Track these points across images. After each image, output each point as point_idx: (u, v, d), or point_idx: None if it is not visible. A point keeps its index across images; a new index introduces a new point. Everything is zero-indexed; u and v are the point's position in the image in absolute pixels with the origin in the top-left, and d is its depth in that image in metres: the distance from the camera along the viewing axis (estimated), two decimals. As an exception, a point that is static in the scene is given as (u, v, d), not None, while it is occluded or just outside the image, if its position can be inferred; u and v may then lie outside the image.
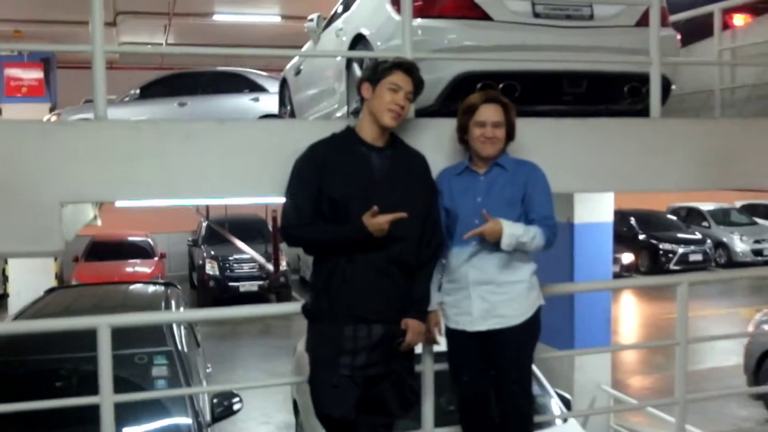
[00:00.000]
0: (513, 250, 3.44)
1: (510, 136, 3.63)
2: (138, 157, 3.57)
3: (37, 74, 15.76)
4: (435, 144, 3.85)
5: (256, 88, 9.36)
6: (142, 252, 16.78)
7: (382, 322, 3.36)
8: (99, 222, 7.94)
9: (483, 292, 3.53)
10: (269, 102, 8.88)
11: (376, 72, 3.43)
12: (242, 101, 9.02)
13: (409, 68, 3.44)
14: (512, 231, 3.40)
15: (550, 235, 3.51)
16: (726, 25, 6.50)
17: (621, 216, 19.58)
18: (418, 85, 3.48)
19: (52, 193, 3.44)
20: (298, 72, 6.85)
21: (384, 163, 3.42)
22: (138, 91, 9.38)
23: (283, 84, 7.57)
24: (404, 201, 3.35)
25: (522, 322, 3.54)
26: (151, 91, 9.44)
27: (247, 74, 9.70)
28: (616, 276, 16.68)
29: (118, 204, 5.71)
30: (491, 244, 3.45)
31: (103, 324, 3.45)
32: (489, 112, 3.56)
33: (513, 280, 3.54)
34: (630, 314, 15.56)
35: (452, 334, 3.67)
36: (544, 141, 4.09)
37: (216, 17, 16.36)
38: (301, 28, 7.03)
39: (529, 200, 3.55)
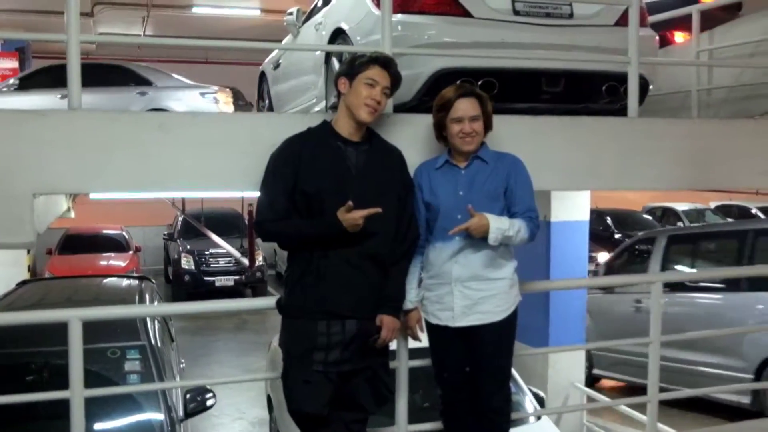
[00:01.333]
0: (498, 244, 3.45)
1: (488, 127, 3.62)
2: (112, 148, 3.53)
3: (11, 64, 15.57)
4: (413, 140, 3.84)
5: (143, 81, 9.18)
6: (117, 245, 16.64)
7: (356, 317, 3.35)
8: (73, 214, 7.86)
9: (465, 288, 3.52)
10: (157, 97, 8.76)
11: (353, 66, 3.42)
12: (127, 95, 8.79)
13: (386, 63, 3.43)
14: (498, 225, 3.40)
15: (534, 228, 3.53)
16: (668, 41, 6.87)
17: (597, 215, 19.67)
18: (396, 80, 3.46)
19: (24, 184, 3.39)
20: (276, 66, 6.82)
21: (359, 158, 3.41)
22: (17, 81, 9.07)
23: (262, 78, 7.53)
24: (379, 196, 3.34)
25: (503, 318, 3.54)
26: (31, 82, 9.09)
27: (133, 67, 9.51)
28: (592, 274, 16.75)
29: (93, 196, 5.66)
30: (477, 239, 3.44)
31: (74, 317, 3.40)
32: (465, 107, 3.54)
33: (496, 277, 3.55)
34: (605, 313, 15.62)
35: (434, 330, 3.66)
36: (521, 139, 4.09)
37: (195, 9, 16.29)
38: (280, 21, 7.00)
39: (511, 193, 3.55)
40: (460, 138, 3.55)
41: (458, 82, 4.03)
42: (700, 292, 8.49)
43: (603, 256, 19.27)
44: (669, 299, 8.34)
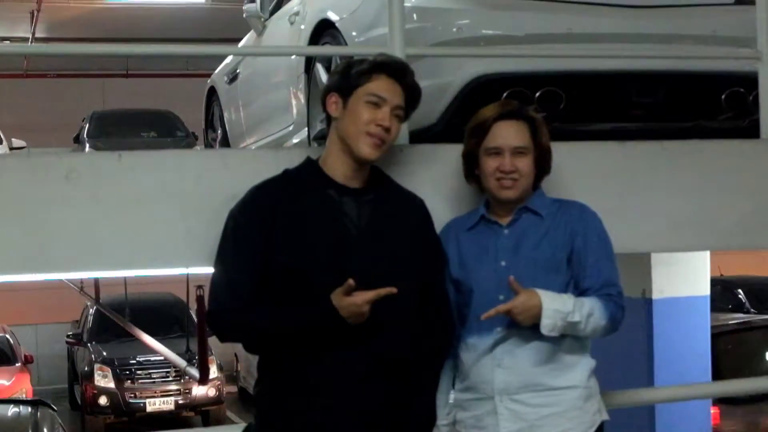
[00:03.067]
0: (559, 335, 3.43)
1: (543, 167, 3.64)
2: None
3: None
4: (438, 183, 3.89)
5: None
6: (-2, 355, 16.65)
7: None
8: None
9: (515, 404, 3.50)
10: None
11: (348, 77, 3.43)
12: None
13: (397, 71, 3.46)
14: (556, 306, 3.38)
15: (615, 311, 3.49)
16: None
17: (723, 287, 19.60)
18: (412, 95, 3.49)
19: None
20: (233, 78, 6.90)
21: (363, 213, 3.42)
22: None
23: (211, 96, 7.62)
24: (394, 269, 3.35)
25: None
26: None
27: None
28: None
29: (-38, 282, 5.73)
30: (525, 328, 3.43)
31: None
32: (506, 133, 3.55)
33: (562, 385, 3.53)
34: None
35: None
36: (602, 176, 4.12)
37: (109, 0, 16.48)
38: (236, 12, 7.11)
39: (580, 260, 3.54)
40: (496, 179, 3.55)
41: (506, 93, 4.08)
42: None
43: (734, 348, 19.17)
44: None
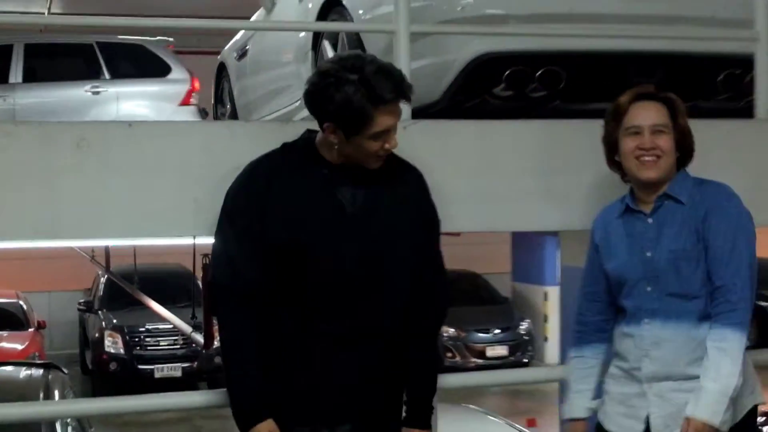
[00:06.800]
0: (705, 335, 3.35)
1: (686, 150, 3.55)
2: (3, 177, 3.59)
3: None
4: (440, 160, 3.88)
5: None
6: (11, 320, 16.64)
7: (356, 424, 3.36)
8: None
9: (665, 390, 3.44)
10: None
11: (349, 123, 3.19)
12: None
13: (397, 93, 3.21)
14: (706, 402, 3.26)
15: (737, 320, 3.33)
16: None
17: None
18: (410, 94, 3.29)
19: None
20: (242, 54, 6.90)
21: (357, 189, 3.35)
22: None
23: (221, 72, 7.62)
24: (389, 246, 3.33)
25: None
26: None
27: None
28: None
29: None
30: (672, 318, 3.39)
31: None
32: (645, 113, 3.49)
33: None
34: None
35: None
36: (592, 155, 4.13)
37: (123, -25, 16.46)
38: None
39: (708, 253, 3.42)
40: (635, 158, 3.47)
41: (507, 72, 4.07)
42: None
43: None
44: None
